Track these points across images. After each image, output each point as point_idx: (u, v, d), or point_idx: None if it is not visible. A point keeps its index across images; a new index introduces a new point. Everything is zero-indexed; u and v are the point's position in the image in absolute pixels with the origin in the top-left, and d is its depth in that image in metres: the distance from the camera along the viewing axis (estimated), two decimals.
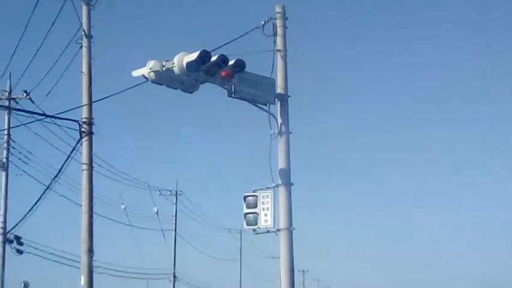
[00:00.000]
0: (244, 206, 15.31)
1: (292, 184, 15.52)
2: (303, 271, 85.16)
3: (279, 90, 15.66)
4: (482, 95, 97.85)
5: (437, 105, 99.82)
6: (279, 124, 15.54)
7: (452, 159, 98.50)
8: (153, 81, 14.14)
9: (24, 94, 27.39)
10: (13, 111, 27.80)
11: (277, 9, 15.89)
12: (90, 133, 22.84)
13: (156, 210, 43.76)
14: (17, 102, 28.13)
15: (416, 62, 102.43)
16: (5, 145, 30.13)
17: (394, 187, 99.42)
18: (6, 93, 29.10)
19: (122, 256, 46.62)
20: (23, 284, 31.55)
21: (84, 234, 22.48)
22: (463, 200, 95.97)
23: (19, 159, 29.60)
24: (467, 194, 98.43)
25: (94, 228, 22.70)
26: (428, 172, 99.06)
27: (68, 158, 23.08)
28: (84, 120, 22.78)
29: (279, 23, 15.82)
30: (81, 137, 22.65)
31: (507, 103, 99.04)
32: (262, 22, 15.65)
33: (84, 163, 22.76)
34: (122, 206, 27.84)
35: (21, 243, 29.31)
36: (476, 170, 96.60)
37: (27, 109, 24.45)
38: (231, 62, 14.26)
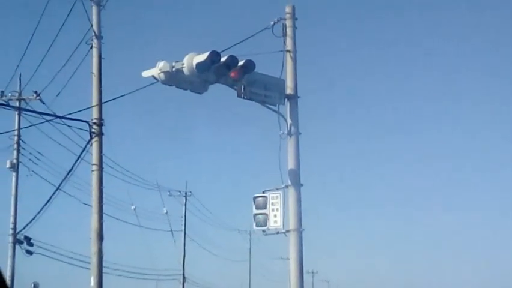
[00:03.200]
0: (254, 207, 15.29)
1: (302, 185, 15.49)
2: (313, 272, 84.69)
3: (289, 90, 15.63)
4: (488, 95, 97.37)
5: (448, 105, 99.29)
6: (288, 125, 15.51)
7: (460, 160, 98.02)
8: (163, 82, 14.16)
9: (35, 95, 27.48)
10: (23, 112, 27.93)
11: (287, 9, 15.86)
12: (100, 134, 22.85)
13: (166, 211, 43.74)
14: (27, 103, 28.22)
15: (426, 61, 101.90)
16: (15, 146, 30.22)
17: (405, 187, 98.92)
18: (17, 94, 29.19)
19: (131, 257, 46.63)
20: (33, 285, 31.57)
21: (94, 234, 22.49)
22: (474, 200, 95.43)
23: (29, 160, 29.72)
24: (479, 195, 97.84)
25: (103, 228, 22.74)
26: (440, 172, 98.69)
27: (78, 159, 23.13)
28: (94, 121, 22.80)
29: (288, 23, 15.79)
30: (91, 138, 22.67)
31: None
32: (272, 23, 15.62)
33: (94, 164, 22.77)
34: (132, 207, 27.82)
35: (31, 244, 29.38)
36: (485, 170, 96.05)
37: (37, 110, 24.56)
38: (240, 63, 14.26)
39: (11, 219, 30.18)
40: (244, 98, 14.86)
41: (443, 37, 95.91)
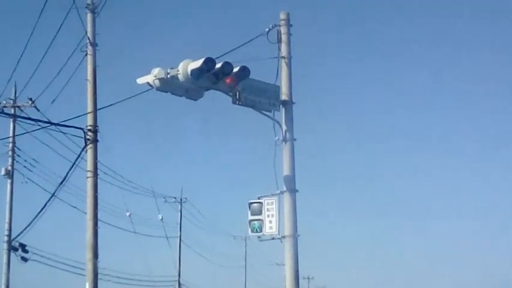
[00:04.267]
0: (249, 212, 15.30)
1: (297, 191, 15.51)
2: (308, 278, 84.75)
3: (284, 97, 15.66)
4: (486, 99, 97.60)
5: (445, 111, 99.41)
6: (283, 131, 15.54)
7: (456, 166, 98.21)
8: (158, 89, 14.16)
9: (29, 102, 27.43)
10: (18, 119, 27.91)
11: (282, 16, 15.91)
12: (95, 140, 22.87)
13: (161, 218, 43.78)
14: (22, 110, 28.19)
15: (424, 67, 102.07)
16: (10, 153, 30.22)
17: (400, 194, 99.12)
18: (11, 101, 29.18)
19: (127, 263, 46.57)
20: None
21: (89, 241, 22.48)
22: (472, 207, 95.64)
23: (24, 167, 29.71)
24: (476, 201, 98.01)
25: (98, 235, 22.72)
26: (434, 179, 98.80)
27: (73, 166, 23.13)
28: (89, 127, 22.81)
29: (283, 30, 15.83)
30: (86, 145, 22.68)
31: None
32: (267, 29, 15.66)
33: (89, 170, 22.78)
34: (127, 213, 27.83)
35: (26, 251, 29.35)
36: (479, 175, 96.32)
37: (32, 117, 24.54)
38: (235, 69, 14.28)
39: (6, 226, 30.16)
40: (239, 104, 14.88)
41: (442, 41, 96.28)
